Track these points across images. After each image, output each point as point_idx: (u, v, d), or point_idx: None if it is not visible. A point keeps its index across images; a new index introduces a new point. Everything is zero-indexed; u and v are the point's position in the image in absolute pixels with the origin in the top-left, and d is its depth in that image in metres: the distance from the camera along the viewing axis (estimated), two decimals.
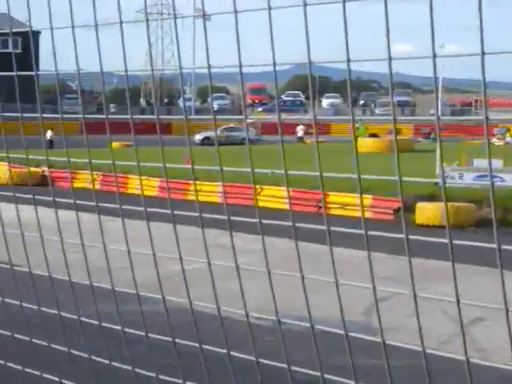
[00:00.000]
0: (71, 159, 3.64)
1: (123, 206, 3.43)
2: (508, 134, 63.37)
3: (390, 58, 2.30)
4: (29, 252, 4.05)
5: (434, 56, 2.18)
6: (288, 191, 3.07)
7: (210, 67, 2.75)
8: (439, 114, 2.15)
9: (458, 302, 2.37)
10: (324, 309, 2.84)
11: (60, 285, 4.01)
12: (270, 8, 2.49)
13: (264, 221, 2.91)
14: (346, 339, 2.74)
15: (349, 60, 2.35)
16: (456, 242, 2.32)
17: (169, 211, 3.26)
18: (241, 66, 2.67)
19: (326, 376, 2.93)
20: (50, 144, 46.53)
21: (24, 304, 4.17)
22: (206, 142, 50.87)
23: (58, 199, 3.78)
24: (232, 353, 3.19)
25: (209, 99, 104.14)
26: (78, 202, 3.62)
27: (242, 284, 3.09)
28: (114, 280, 3.65)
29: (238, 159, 3.27)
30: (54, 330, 3.98)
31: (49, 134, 48.90)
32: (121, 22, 3.01)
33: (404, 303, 11.95)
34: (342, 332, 2.76)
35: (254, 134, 48.35)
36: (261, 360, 3.10)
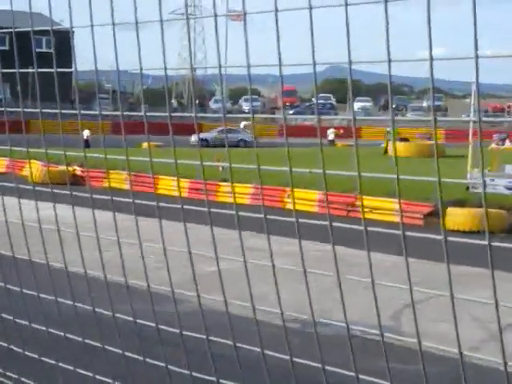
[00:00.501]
0: (104, 159, 3.67)
1: (159, 205, 3.45)
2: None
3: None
4: (60, 250, 4.09)
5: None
6: (326, 194, 3.06)
7: (249, 66, 2.76)
8: (472, 117, 2.16)
9: (497, 304, 2.36)
10: (353, 312, 2.85)
11: (91, 283, 4.04)
12: (310, 8, 2.50)
13: (301, 220, 2.92)
14: (382, 343, 2.74)
15: (390, 60, 2.35)
16: (495, 243, 2.31)
17: (201, 210, 3.27)
18: (280, 65, 2.67)
19: (360, 377, 2.93)
20: (86, 143, 46.72)
21: (59, 299, 4.21)
22: (203, 143, 49.37)
23: (92, 197, 3.81)
24: (266, 352, 3.20)
25: (240, 101, 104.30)
26: (115, 199, 3.65)
27: (271, 287, 3.11)
28: (145, 279, 3.68)
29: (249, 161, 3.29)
30: (88, 327, 4.03)
31: (86, 133, 49.09)
32: (161, 21, 3.03)
33: (432, 308, 11.91)
34: (375, 336, 2.77)
35: (250, 137, 46.85)
36: (295, 359, 3.11)
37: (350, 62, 2.46)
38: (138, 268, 3.67)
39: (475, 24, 2.13)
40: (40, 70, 3.74)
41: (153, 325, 3.64)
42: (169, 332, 3.67)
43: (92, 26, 3.37)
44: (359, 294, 7.92)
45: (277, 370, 3.33)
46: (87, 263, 3.97)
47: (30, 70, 3.81)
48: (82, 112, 3.66)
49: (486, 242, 2.33)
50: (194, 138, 42.95)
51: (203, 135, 52.26)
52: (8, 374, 4.85)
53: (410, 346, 2.76)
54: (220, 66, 2.93)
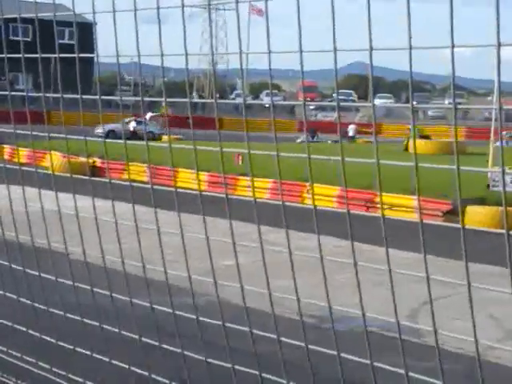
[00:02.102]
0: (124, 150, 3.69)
1: (176, 199, 3.46)
2: None
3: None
4: (78, 240, 4.12)
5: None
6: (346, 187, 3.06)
7: (270, 52, 2.77)
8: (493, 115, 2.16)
9: None
10: (370, 308, 2.86)
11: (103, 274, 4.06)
12: None
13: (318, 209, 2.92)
14: (400, 341, 2.74)
15: (411, 47, 2.35)
16: None
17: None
18: (301, 51, 2.68)
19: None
20: (134, 135, 47.02)
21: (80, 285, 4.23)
22: (111, 135, 44.07)
23: (111, 186, 3.83)
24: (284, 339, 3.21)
25: (261, 95, 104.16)
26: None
27: (288, 281, 3.11)
28: (161, 272, 3.69)
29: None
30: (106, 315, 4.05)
31: (132, 124, 49.31)
32: (182, 6, 3.04)
33: (449, 306, 11.87)
34: (392, 332, 2.76)
35: (158, 129, 43.49)
36: (311, 347, 3.12)
37: (371, 49, 2.46)
38: (151, 260, 3.69)
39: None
40: (62, 55, 3.74)
41: (170, 311, 3.65)
42: (185, 324, 3.69)
43: (114, 11, 3.38)
44: (375, 290, 7.91)
45: (292, 364, 3.33)
46: (105, 255, 3.99)
47: (52, 55, 3.81)
48: (103, 97, 3.66)
49: (503, 231, 2.32)
50: (99, 130, 36.70)
51: (110, 126, 45.94)
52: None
53: (426, 343, 2.76)
54: (241, 52, 2.94)
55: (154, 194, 3.55)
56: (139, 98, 3.53)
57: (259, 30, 2.88)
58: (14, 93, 4.32)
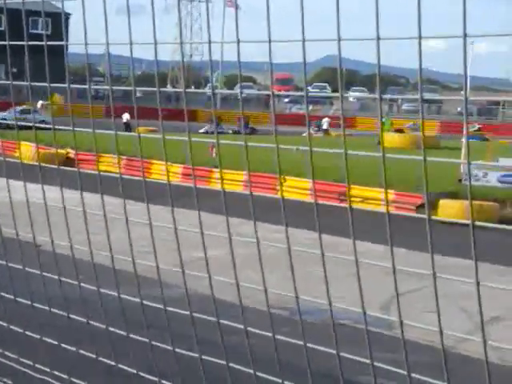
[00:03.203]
0: (94, 141, 3.66)
1: (146, 191, 3.44)
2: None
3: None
4: (50, 232, 4.09)
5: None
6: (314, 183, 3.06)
7: (238, 42, 2.76)
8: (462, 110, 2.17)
9: (478, 283, 2.38)
10: (342, 300, 2.86)
11: (80, 266, 4.03)
12: None
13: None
14: (366, 332, 2.75)
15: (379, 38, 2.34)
16: (479, 223, 2.32)
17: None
18: (270, 41, 2.67)
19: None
20: (127, 126, 46.93)
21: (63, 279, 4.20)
22: (3, 124, 39.94)
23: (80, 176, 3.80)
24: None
25: (235, 87, 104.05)
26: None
27: (259, 274, 3.11)
28: (135, 264, 3.68)
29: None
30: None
31: (125, 116, 49.23)
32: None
33: (420, 299, 11.95)
34: (362, 326, 2.77)
35: (44, 117, 40.16)
36: (278, 337, 3.11)
37: (339, 39, 2.46)
38: (127, 252, 3.67)
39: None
40: (30, 42, 3.71)
41: (137, 301, 3.64)
42: (156, 315, 3.67)
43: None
44: (348, 282, 7.93)
45: (263, 356, 3.33)
46: (75, 246, 3.97)
47: (21, 43, 3.77)
48: (72, 86, 3.63)
49: (468, 222, 2.33)
50: None
51: (2, 114, 42.10)
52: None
53: (398, 336, 2.77)
54: (210, 42, 2.93)
55: (125, 186, 3.53)
56: (107, 87, 3.50)
57: (233, 23, 2.87)
58: (16, 82, 4.27)
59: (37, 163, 4.03)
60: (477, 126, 67.67)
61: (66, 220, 3.89)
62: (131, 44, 3.20)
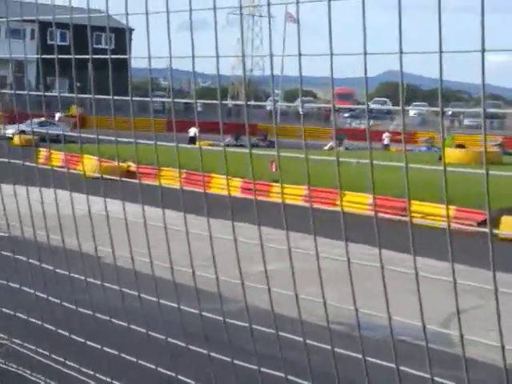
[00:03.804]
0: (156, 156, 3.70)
1: (207, 205, 3.46)
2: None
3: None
4: (112, 245, 4.14)
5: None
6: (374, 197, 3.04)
7: (300, 55, 2.77)
8: None
9: None
10: (401, 317, 2.84)
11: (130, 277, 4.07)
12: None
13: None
14: (427, 348, 2.72)
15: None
16: None
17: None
18: (332, 54, 2.67)
19: None
20: (191, 140, 47.49)
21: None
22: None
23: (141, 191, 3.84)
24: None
25: (296, 102, 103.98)
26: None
27: (318, 289, 3.10)
28: (193, 277, 3.70)
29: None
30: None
31: (193, 130, 49.80)
32: (214, 8, 3.05)
33: (480, 317, 11.76)
34: (421, 342, 2.74)
35: (68, 130, 39.48)
36: (337, 349, 3.10)
37: (401, 52, 2.45)
38: (184, 265, 3.69)
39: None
40: (95, 56, 3.76)
41: (195, 312, 3.65)
42: (213, 329, 3.69)
43: (147, 13, 3.39)
44: (410, 299, 7.85)
45: (321, 371, 3.32)
46: (136, 259, 4.01)
47: (85, 56, 3.83)
48: (134, 98, 3.67)
49: None
50: (10, 131, 33.46)
51: (21, 126, 42.80)
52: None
53: (458, 353, 2.74)
54: (271, 55, 2.94)
55: (185, 199, 3.55)
56: (169, 100, 3.54)
57: (294, 39, 2.88)
58: (47, 94, 4.34)
59: (98, 175, 4.08)
60: None
61: (127, 233, 3.93)
62: (193, 57, 3.23)
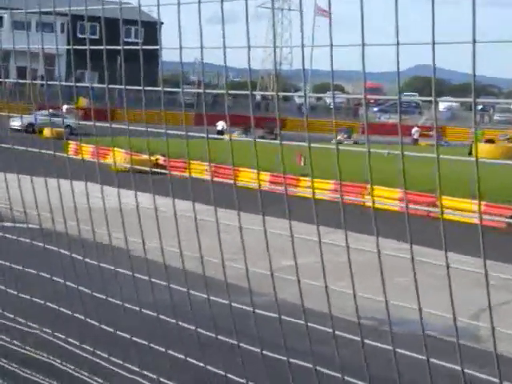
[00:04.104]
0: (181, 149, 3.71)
1: (237, 197, 3.47)
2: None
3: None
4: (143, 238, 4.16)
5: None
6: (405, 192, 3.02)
7: (332, 45, 2.76)
8: None
9: None
10: (428, 312, 2.84)
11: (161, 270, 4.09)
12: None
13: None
14: (458, 347, 2.71)
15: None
16: None
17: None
18: (363, 45, 2.66)
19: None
20: (220, 134, 47.88)
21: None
22: (31, 129, 36.46)
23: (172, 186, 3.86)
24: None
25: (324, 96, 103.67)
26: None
27: (348, 283, 3.10)
28: (223, 270, 3.71)
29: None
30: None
31: (221, 124, 50.10)
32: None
33: (510, 312, 11.69)
34: (451, 337, 2.73)
35: (74, 122, 38.12)
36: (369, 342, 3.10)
37: (434, 43, 2.44)
38: (215, 259, 3.70)
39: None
40: (126, 47, 3.77)
41: (225, 303, 3.66)
42: (242, 323, 3.70)
43: (179, 4, 3.39)
44: (437, 294, 7.81)
45: (351, 363, 3.32)
46: (166, 252, 4.03)
47: (117, 47, 3.84)
48: (166, 89, 3.68)
49: None
50: (16, 123, 30.99)
51: (30, 118, 39.90)
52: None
53: (486, 349, 2.72)
54: (303, 46, 2.93)
55: (214, 192, 3.56)
56: (200, 90, 3.54)
57: (323, 33, 2.86)
58: (78, 84, 4.36)
59: (127, 168, 4.10)
60: None
61: (158, 226, 3.95)
62: (224, 47, 3.23)
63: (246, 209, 4.38)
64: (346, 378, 3.19)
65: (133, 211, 4.06)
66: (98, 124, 4.13)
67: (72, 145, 23.06)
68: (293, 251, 3.23)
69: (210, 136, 3.51)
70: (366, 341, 3.07)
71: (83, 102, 49.35)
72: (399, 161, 2.68)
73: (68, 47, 4.41)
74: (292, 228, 3.28)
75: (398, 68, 2.66)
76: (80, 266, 4.68)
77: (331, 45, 2.77)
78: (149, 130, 3.79)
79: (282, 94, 3.41)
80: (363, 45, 2.67)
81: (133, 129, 3.97)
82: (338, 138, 50.83)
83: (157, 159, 31.02)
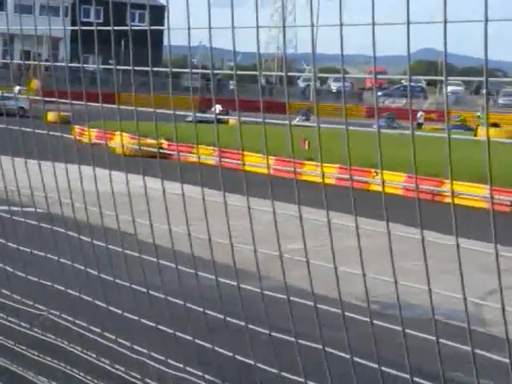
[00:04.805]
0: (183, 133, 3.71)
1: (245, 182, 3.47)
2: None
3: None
4: (145, 222, 4.17)
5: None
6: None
7: (341, 25, 2.73)
8: None
9: None
10: (435, 296, 2.85)
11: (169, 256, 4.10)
12: None
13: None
14: (469, 332, 2.72)
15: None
16: None
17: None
18: (374, 24, 2.65)
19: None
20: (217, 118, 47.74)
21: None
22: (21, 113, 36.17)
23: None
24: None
25: (328, 80, 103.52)
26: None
27: (354, 267, 3.11)
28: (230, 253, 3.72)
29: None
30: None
31: (217, 107, 50.13)
32: None
33: None
34: (457, 321, 2.75)
35: (28, 104, 37.15)
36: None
37: (446, 22, 2.43)
38: (223, 243, 3.72)
39: None
40: (134, 27, 3.76)
41: (233, 284, 3.68)
42: (248, 306, 3.71)
43: None
44: (442, 278, 7.83)
45: (357, 349, 3.34)
46: (174, 236, 4.04)
47: (125, 28, 3.84)
48: (174, 69, 3.66)
49: None
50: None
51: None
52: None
53: (492, 333, 2.73)
54: (312, 25, 2.92)
55: (219, 176, 3.57)
56: (208, 71, 3.54)
57: (331, 14, 2.87)
58: (86, 65, 4.37)
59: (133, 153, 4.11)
60: None
61: (166, 210, 3.96)
62: (233, 28, 3.22)
63: (253, 193, 4.39)
64: (354, 358, 3.20)
65: (140, 196, 4.08)
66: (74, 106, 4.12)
67: (77, 129, 23.05)
68: (302, 231, 3.23)
69: (220, 116, 3.51)
70: (375, 321, 3.08)
71: (35, 84, 48.67)
72: (405, 145, 2.69)
73: (74, 28, 4.40)
74: (298, 212, 3.29)
75: (409, 47, 2.65)
76: (88, 250, 4.69)
77: (341, 24, 2.77)
78: (157, 111, 3.78)
79: (290, 74, 3.39)
80: (373, 24, 2.66)
81: (141, 110, 3.97)
82: (298, 118, 50.42)
83: (161, 143, 30.99)
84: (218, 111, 52.33)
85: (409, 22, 2.54)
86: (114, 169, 4.33)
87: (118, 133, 4.80)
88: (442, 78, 2.61)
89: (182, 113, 3.74)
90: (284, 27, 3.15)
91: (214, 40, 3.50)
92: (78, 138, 5.02)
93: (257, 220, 3.53)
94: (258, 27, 3.12)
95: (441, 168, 22.06)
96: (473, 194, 24.33)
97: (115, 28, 3.88)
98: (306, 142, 28.55)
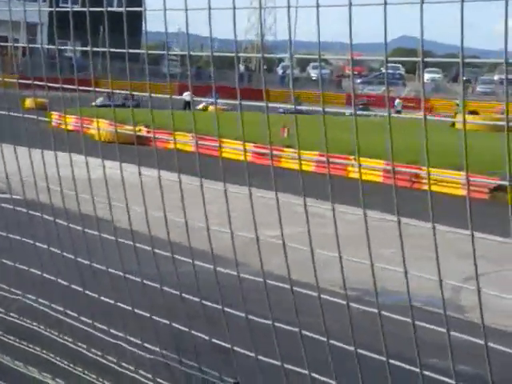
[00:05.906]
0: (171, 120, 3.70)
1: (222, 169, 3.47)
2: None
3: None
4: (120, 209, 4.16)
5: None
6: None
7: (318, 6, 2.73)
8: None
9: None
10: (412, 283, 2.86)
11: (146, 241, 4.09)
12: None
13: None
14: (445, 317, 2.73)
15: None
16: None
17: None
18: (351, 5, 2.65)
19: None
20: (186, 105, 47.30)
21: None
22: None
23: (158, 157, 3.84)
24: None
25: (307, 68, 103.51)
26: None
27: (330, 252, 3.11)
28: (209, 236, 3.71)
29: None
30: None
31: (187, 95, 49.64)
32: None
33: (494, 283, 11.78)
34: (434, 308, 2.76)
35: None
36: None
37: (423, 2, 2.43)
38: (201, 230, 3.71)
39: None
40: (110, 9, 3.73)
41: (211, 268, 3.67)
42: (228, 294, 3.71)
43: None
44: (419, 265, 7.86)
45: (336, 335, 3.35)
46: (150, 223, 4.03)
47: (101, 9, 3.80)
48: (150, 52, 3.63)
49: None
50: None
51: None
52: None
53: (470, 320, 2.74)
54: (289, 6, 2.91)
55: (196, 163, 3.56)
56: (185, 53, 3.51)
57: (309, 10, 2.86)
58: (61, 47, 4.31)
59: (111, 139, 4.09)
60: None
61: (143, 196, 3.95)
62: (210, 9, 3.20)
63: (230, 180, 4.38)
64: (330, 341, 3.21)
65: (120, 182, 4.06)
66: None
67: (54, 116, 22.91)
68: (278, 214, 3.23)
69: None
70: (352, 303, 3.09)
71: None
72: (385, 133, 2.69)
73: (50, 9, 4.34)
74: (274, 200, 3.29)
75: (386, 28, 2.64)
76: (64, 235, 4.67)
77: (317, 6, 2.76)
78: (134, 93, 3.76)
79: (267, 55, 3.38)
80: (350, 5, 2.65)
81: (117, 92, 3.94)
82: (203, 104, 49.75)
83: (139, 130, 30.88)
84: (189, 98, 51.97)
85: (386, 3, 2.55)
86: (94, 155, 4.31)
87: (100, 120, 4.77)
88: (419, 59, 2.60)
89: (160, 95, 3.72)
90: (260, 8, 3.13)
91: (192, 26, 3.48)
92: (56, 124, 4.97)
93: (238, 209, 3.52)
94: (234, 8, 3.11)
95: (419, 156, 22.15)
96: (449, 175, 24.40)
97: (91, 9, 3.84)
98: (286, 129, 28.54)
